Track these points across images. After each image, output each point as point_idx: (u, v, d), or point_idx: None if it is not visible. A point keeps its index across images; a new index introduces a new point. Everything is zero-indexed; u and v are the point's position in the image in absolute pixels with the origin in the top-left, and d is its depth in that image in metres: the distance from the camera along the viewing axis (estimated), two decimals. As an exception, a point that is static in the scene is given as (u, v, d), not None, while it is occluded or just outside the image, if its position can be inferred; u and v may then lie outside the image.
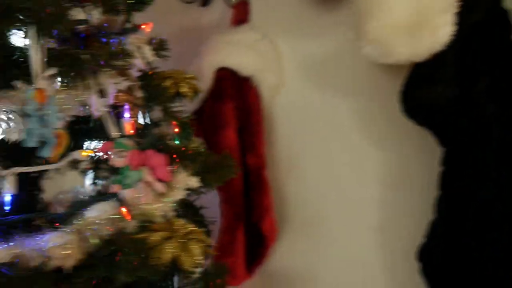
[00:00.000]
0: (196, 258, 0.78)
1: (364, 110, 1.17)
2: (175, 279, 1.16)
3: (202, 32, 1.36)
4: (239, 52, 1.20)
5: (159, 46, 1.05)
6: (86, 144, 0.95)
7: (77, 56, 0.83)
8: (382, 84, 1.15)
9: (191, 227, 0.81)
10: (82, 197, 1.30)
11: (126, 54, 0.82)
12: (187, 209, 1.09)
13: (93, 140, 0.98)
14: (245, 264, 1.26)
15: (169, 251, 0.76)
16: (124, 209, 0.81)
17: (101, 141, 0.98)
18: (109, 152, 0.81)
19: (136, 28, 1.00)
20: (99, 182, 1.29)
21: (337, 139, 1.22)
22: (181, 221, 0.82)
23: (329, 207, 1.24)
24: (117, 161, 0.80)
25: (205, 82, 1.20)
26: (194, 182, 0.99)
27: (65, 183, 1.24)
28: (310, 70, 1.24)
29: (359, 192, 1.20)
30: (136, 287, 1.08)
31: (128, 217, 0.81)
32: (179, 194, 0.94)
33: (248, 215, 1.26)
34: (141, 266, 0.75)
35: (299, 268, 1.29)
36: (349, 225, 1.22)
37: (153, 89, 1.02)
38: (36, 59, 0.78)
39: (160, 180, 0.84)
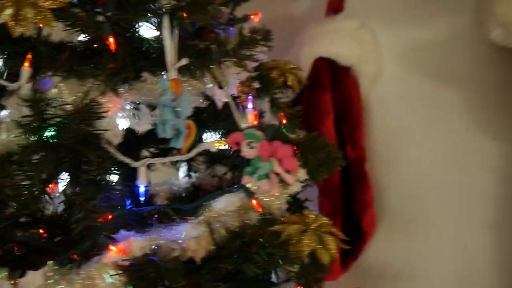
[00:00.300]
0: (332, 252, 0.76)
1: (476, 100, 1.12)
2: (277, 273, 1.18)
3: (293, 22, 1.34)
4: (339, 41, 1.17)
5: (264, 37, 1.04)
6: (205, 135, 0.96)
7: (205, 47, 0.84)
8: (498, 71, 1.09)
9: (323, 220, 0.79)
10: (176, 189, 1.35)
11: (255, 43, 0.81)
12: (292, 202, 1.08)
13: (208, 131, 0.99)
14: (341, 259, 1.24)
15: (307, 244, 0.74)
16: (254, 201, 0.80)
17: (217, 132, 0.99)
18: (239, 143, 0.80)
19: (245, 18, 0.99)
20: (193, 174, 1.35)
21: (442, 131, 1.17)
22: (312, 214, 0.81)
23: (433, 202, 1.19)
24: (248, 152, 0.79)
25: (303, 72, 1.18)
26: (303, 174, 0.98)
27: (161, 176, 1.27)
28: (412, 58, 1.19)
29: (469, 187, 1.14)
30: (239, 279, 1.09)
31: (260, 209, 0.80)
32: (296, 187, 0.93)
33: (346, 208, 1.24)
34: (282, 260, 0.74)
35: (396, 263, 1.25)
36: (457, 221, 1.16)
37: (263, 79, 1.01)
38: (170, 49, 0.78)
39: (287, 172, 0.83)
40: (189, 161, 1.34)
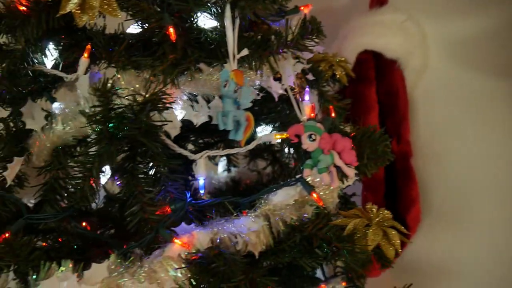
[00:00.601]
0: (397, 246, 0.75)
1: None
2: (324, 268, 1.17)
3: (334, 16, 1.32)
4: (387, 34, 1.15)
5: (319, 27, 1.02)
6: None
7: (263, 38, 0.82)
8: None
9: (385, 214, 0.78)
10: (216, 183, 1.34)
11: (319, 33, 0.80)
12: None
13: (260, 124, 0.98)
14: (383, 255, 1.23)
15: (372, 238, 0.73)
16: (315, 195, 0.79)
17: (270, 125, 0.98)
18: (299, 135, 0.79)
19: (296, 10, 0.98)
20: (232, 168, 1.34)
21: (490, 125, 1.15)
22: (374, 207, 0.80)
23: (478, 198, 1.17)
24: (310, 144, 0.78)
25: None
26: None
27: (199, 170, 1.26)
28: (459, 51, 1.17)
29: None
30: (284, 273, 1.08)
31: (321, 203, 0.79)
32: (351, 181, 0.92)
33: (388, 204, 1.22)
34: (348, 254, 0.73)
35: (439, 260, 1.23)
36: (503, 218, 1.14)
37: (313, 72, 1.00)
38: (232, 40, 0.77)
39: (347, 165, 0.81)
40: (229, 155, 1.33)
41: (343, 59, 1.06)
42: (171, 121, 0.74)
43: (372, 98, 1.19)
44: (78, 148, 0.85)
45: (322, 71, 1.03)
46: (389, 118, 1.20)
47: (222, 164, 1.32)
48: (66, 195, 0.84)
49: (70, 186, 0.82)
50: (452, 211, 1.22)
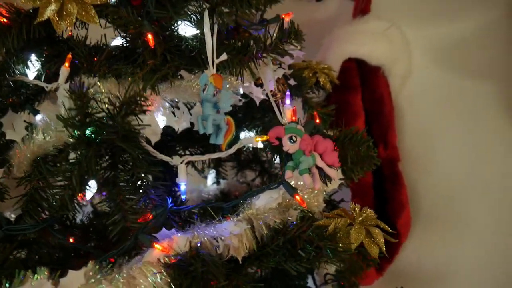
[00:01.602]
0: (381, 244, 0.73)
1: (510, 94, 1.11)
2: (315, 276, 1.14)
3: (317, 26, 1.34)
4: (371, 41, 1.17)
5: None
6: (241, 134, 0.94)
7: (243, 44, 0.83)
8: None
9: (368, 213, 0.77)
10: (205, 196, 1.33)
11: (296, 36, 0.81)
12: (327, 202, 1.06)
13: (244, 130, 0.97)
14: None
15: (355, 237, 0.72)
16: (298, 197, 0.78)
17: (253, 131, 0.98)
18: (279, 138, 0.79)
19: (277, 18, 0.99)
20: (222, 181, 1.33)
21: (476, 127, 1.15)
22: (357, 207, 0.78)
23: (467, 202, 1.16)
24: (290, 146, 0.78)
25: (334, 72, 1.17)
26: (339, 173, 0.96)
27: (190, 183, 1.25)
28: (442, 55, 1.18)
29: (504, 186, 1.12)
30: (274, 283, 1.06)
31: (304, 204, 0.78)
32: (334, 185, 0.91)
33: (379, 210, 1.21)
34: (332, 253, 0.71)
35: (432, 265, 1.21)
36: (492, 221, 1.13)
37: (295, 79, 1.01)
38: (210, 45, 0.78)
39: (329, 166, 0.81)
40: (217, 168, 1.33)
41: (326, 66, 1.08)
42: (149, 125, 0.74)
43: (358, 105, 1.20)
44: (58, 158, 0.85)
45: (305, 77, 1.04)
46: (375, 124, 1.21)
47: (211, 177, 1.32)
48: (46, 205, 0.84)
49: (50, 196, 0.82)
50: (442, 215, 1.21)
